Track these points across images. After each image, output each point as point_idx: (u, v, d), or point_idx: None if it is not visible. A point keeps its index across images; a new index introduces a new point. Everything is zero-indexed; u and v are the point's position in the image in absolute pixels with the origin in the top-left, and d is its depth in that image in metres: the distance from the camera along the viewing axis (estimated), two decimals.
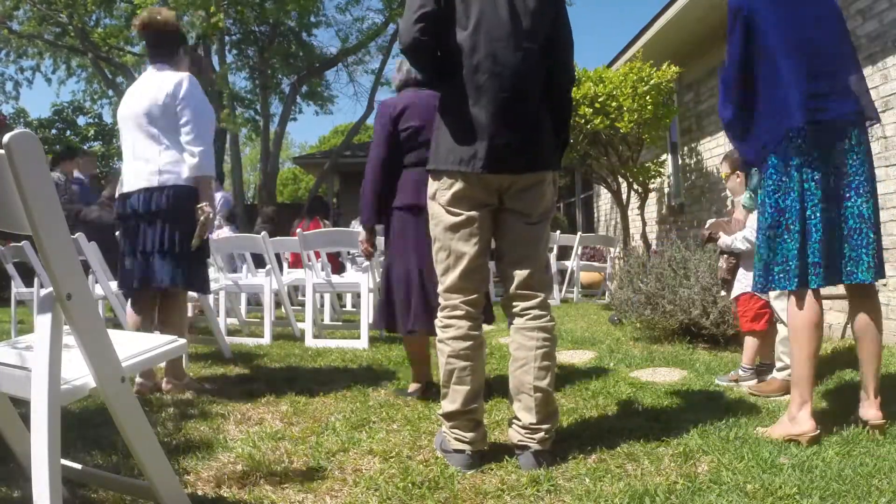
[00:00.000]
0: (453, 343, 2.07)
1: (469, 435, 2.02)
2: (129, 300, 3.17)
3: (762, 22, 2.22)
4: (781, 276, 2.22)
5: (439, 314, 2.15)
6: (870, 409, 2.19)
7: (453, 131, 2.08)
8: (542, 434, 2.01)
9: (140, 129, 2.96)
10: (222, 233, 6.01)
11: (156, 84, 2.95)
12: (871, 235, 2.18)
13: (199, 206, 2.92)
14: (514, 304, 2.14)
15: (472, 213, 2.07)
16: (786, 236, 2.21)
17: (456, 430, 2.04)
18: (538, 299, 2.12)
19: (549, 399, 2.06)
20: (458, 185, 2.06)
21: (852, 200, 2.20)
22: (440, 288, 2.16)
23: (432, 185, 2.15)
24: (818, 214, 2.16)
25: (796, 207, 2.18)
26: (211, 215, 2.94)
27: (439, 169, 2.10)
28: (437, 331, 2.14)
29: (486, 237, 2.13)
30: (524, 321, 2.11)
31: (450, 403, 2.07)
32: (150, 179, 2.91)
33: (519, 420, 2.06)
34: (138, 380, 3.05)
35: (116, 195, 3.20)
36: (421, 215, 2.79)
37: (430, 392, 2.92)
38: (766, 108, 2.25)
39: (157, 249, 2.90)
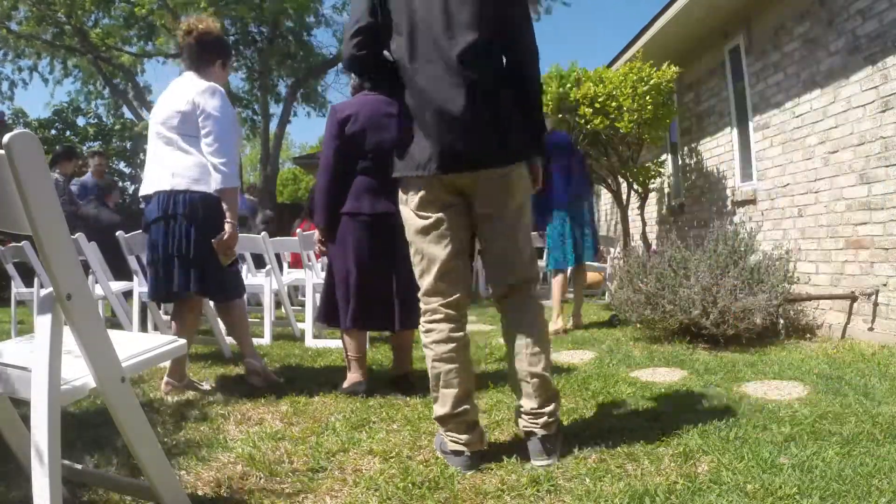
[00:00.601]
0: (436, 347, 2.07)
1: (464, 437, 2.02)
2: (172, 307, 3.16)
3: None
4: None
5: (421, 319, 2.14)
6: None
7: (409, 138, 2.08)
8: (545, 418, 2.05)
9: (160, 133, 2.97)
10: None
11: (180, 90, 2.96)
12: None
13: (225, 220, 2.90)
14: (501, 300, 2.19)
15: (440, 214, 2.07)
16: None
17: (451, 434, 2.04)
18: (524, 292, 2.16)
19: (545, 382, 2.09)
20: (422, 190, 2.07)
21: None
22: (420, 293, 2.16)
23: (401, 192, 2.16)
24: None
25: None
26: (233, 230, 2.91)
27: (401, 175, 2.11)
28: (421, 335, 2.15)
29: (460, 237, 2.11)
30: (513, 314, 2.15)
31: (440, 407, 2.07)
32: (163, 183, 2.91)
33: (522, 407, 2.10)
34: (166, 379, 3.04)
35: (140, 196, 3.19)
36: (359, 221, 2.96)
37: (365, 389, 2.97)
38: None
39: (174, 254, 2.88)
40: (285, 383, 3.19)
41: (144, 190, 3.02)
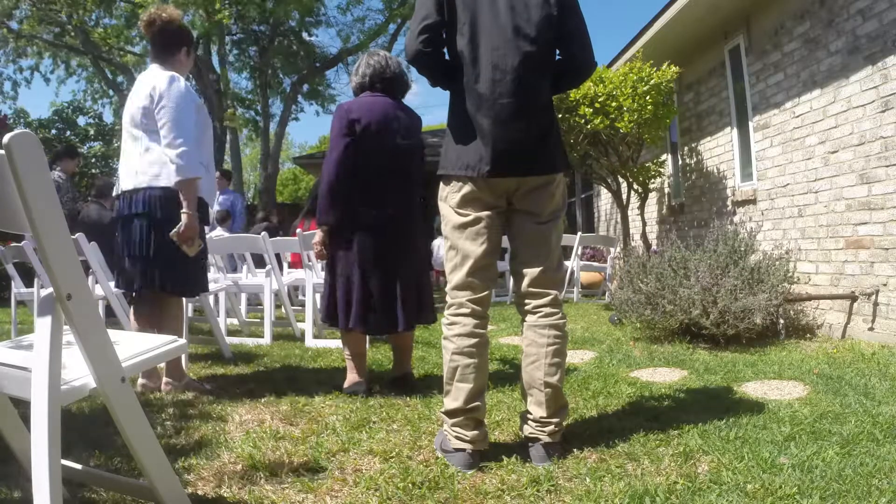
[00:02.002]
0: (458, 340, 2.09)
1: (470, 434, 2.04)
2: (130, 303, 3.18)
3: None
4: None
5: (446, 311, 2.18)
6: None
7: (460, 136, 2.13)
8: (551, 427, 2.08)
9: (126, 130, 2.95)
10: (215, 233, 6.00)
11: (145, 84, 2.91)
12: None
13: (182, 211, 2.82)
14: (526, 301, 2.18)
15: (479, 213, 2.12)
16: None
17: (457, 429, 2.05)
18: (550, 297, 2.16)
19: (558, 394, 2.12)
20: (466, 189, 2.12)
21: None
22: (448, 286, 2.19)
23: (443, 189, 2.20)
24: None
25: None
26: (190, 220, 2.82)
27: (448, 174, 2.15)
28: (443, 328, 2.17)
29: (495, 238, 2.15)
30: (536, 318, 2.15)
31: (452, 401, 2.08)
32: (129, 181, 2.90)
33: (530, 414, 2.12)
34: (141, 380, 3.04)
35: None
36: (364, 222, 2.94)
37: (365, 390, 2.98)
38: None
39: (133, 252, 2.88)
40: (285, 383, 3.19)
41: (115, 190, 3.04)
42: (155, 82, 2.87)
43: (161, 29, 3.02)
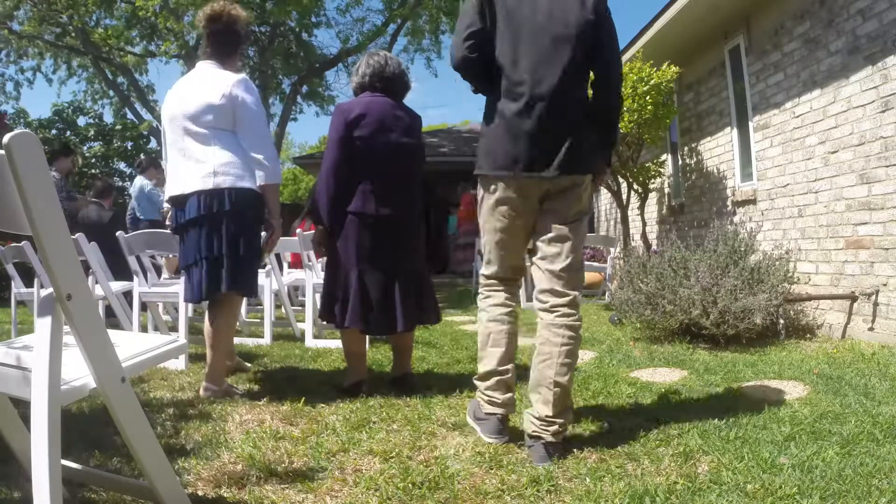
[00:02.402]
0: (492, 309, 2.32)
1: (501, 398, 2.23)
2: (207, 307, 3.03)
3: None
4: None
5: (481, 288, 2.42)
6: None
7: (496, 138, 2.24)
8: (555, 427, 2.10)
9: (189, 130, 2.83)
10: None
11: (210, 83, 2.82)
12: None
13: (267, 217, 2.88)
14: (545, 299, 2.24)
15: (514, 214, 2.26)
16: None
17: (489, 392, 2.25)
18: (569, 298, 2.21)
19: (566, 395, 2.16)
20: (501, 188, 2.24)
21: None
22: (483, 271, 2.41)
23: (479, 188, 2.34)
24: None
25: None
26: (279, 227, 2.94)
27: (484, 173, 2.28)
28: (479, 301, 2.41)
29: (524, 231, 2.31)
30: (553, 317, 2.20)
31: (485, 365, 2.28)
32: (204, 182, 2.78)
33: (535, 412, 2.15)
34: (204, 384, 2.96)
35: (165, 197, 3.05)
36: (363, 221, 2.93)
37: (365, 388, 2.97)
38: None
39: (219, 254, 2.81)
40: (285, 383, 3.19)
41: (178, 189, 2.86)
42: (229, 82, 2.80)
43: (228, 26, 2.92)
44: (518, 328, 2.36)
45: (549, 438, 2.09)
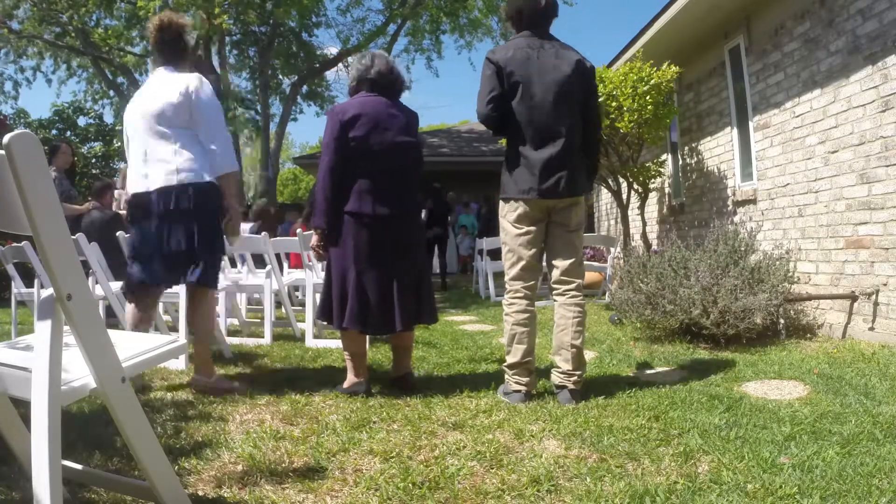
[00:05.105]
0: (516, 315, 2.91)
1: (525, 380, 2.87)
2: (132, 299, 3.11)
3: None
4: None
5: (506, 296, 2.98)
6: None
7: (516, 170, 2.91)
8: (575, 378, 2.83)
9: (152, 129, 2.97)
10: None
11: (168, 85, 2.99)
12: None
13: (226, 203, 3.00)
14: (558, 286, 2.96)
15: (531, 227, 2.92)
16: None
17: (516, 377, 2.87)
18: (575, 284, 2.95)
19: (580, 353, 2.88)
20: (521, 208, 2.91)
21: None
22: (507, 277, 2.97)
23: (503, 208, 2.99)
24: None
25: None
26: (237, 210, 3.05)
27: (508, 197, 2.94)
28: (504, 307, 2.97)
29: (539, 244, 2.96)
30: (565, 298, 2.93)
31: (512, 358, 2.89)
32: (168, 179, 2.91)
33: (559, 368, 2.86)
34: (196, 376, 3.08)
35: (125, 196, 3.24)
36: (361, 222, 2.94)
37: (365, 388, 2.98)
38: None
39: (185, 248, 2.91)
40: (285, 383, 3.19)
41: (142, 187, 2.97)
42: (186, 81, 2.97)
43: (179, 33, 3.11)
44: (536, 326, 2.96)
45: (571, 386, 2.81)
